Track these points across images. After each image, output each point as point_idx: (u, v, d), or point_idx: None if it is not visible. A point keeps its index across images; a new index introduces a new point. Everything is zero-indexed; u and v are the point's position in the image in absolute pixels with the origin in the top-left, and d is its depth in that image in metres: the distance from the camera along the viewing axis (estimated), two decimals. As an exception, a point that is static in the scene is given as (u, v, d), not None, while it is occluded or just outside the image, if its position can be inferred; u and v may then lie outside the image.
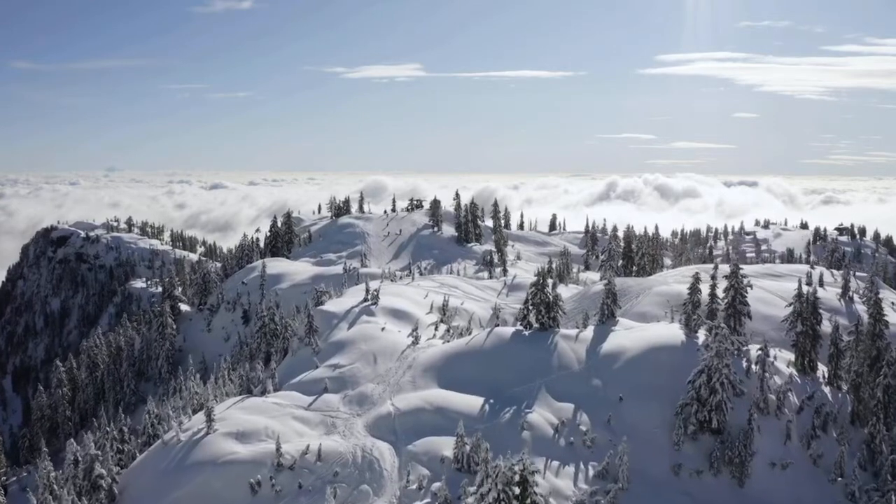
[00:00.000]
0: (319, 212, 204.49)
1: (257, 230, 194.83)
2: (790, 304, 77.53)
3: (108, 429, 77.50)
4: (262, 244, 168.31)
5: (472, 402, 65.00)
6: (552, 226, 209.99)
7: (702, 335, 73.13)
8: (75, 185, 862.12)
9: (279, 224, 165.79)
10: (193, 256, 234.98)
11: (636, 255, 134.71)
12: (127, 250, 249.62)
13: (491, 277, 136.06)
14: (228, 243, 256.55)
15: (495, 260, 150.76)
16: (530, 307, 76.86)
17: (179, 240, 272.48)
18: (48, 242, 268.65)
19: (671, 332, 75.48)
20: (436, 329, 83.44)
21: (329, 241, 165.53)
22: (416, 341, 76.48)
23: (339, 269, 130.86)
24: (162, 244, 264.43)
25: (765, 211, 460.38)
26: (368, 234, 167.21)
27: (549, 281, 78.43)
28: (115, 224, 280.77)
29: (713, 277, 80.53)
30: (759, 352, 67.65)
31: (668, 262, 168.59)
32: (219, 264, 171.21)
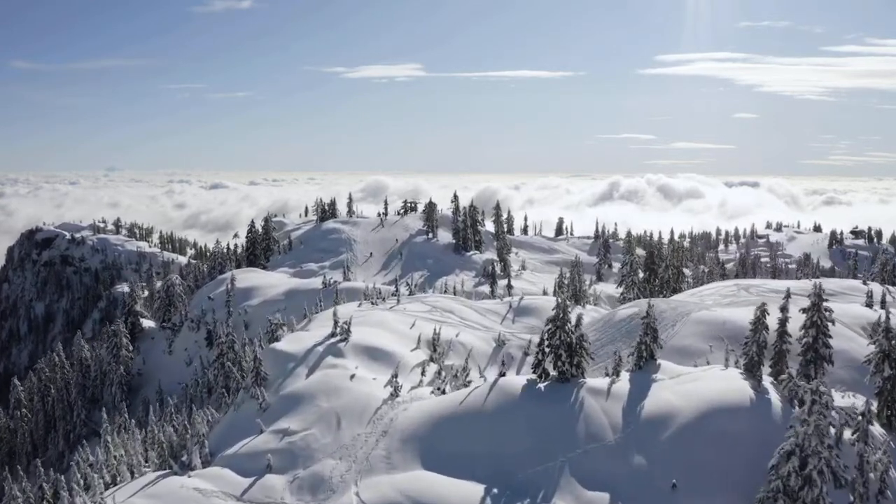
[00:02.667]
0: (307, 214, 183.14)
1: (235, 235, 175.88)
2: (874, 341, 57.99)
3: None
4: (241, 251, 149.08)
5: (468, 494, 45.31)
6: (558, 230, 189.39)
7: (771, 388, 54.35)
8: (75, 184, 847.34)
9: (258, 228, 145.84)
10: (183, 259, 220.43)
11: (659, 267, 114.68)
12: (113, 252, 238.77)
13: (493, 294, 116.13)
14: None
15: (497, 271, 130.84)
16: (546, 350, 56.73)
17: (169, 242, 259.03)
18: (33, 244, 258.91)
19: (732, 383, 55.59)
20: (423, 373, 63.15)
21: (311, 248, 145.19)
22: (395, 393, 56.33)
23: (318, 282, 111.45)
24: (150, 246, 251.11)
25: (767, 212, 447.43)
26: (355, 241, 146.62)
27: (572, 312, 57.90)
28: (102, 225, 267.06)
29: (783, 309, 60.29)
30: (859, 417, 47.96)
31: (685, 271, 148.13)
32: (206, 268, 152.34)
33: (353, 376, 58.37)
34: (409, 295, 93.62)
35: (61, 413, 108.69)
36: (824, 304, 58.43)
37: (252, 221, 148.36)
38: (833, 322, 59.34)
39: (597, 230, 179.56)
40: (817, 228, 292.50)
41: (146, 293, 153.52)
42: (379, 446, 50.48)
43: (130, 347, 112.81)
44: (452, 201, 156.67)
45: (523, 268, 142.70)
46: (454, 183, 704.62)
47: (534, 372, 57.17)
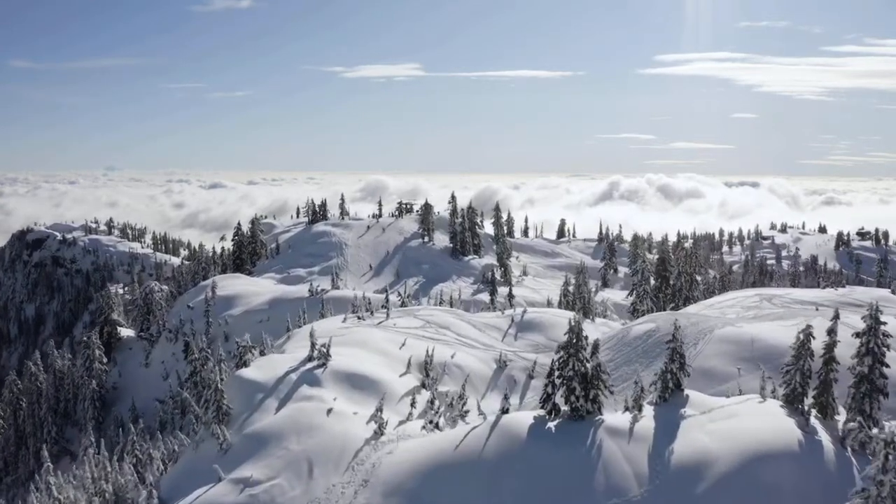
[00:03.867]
0: (298, 215, 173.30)
1: (222, 237, 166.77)
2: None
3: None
4: (227, 254, 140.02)
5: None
6: (560, 232, 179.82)
7: (819, 427, 45.95)
8: (74, 184, 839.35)
9: (245, 231, 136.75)
10: (176, 260, 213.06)
11: (671, 273, 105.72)
12: (105, 254, 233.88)
13: (492, 304, 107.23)
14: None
15: (497, 277, 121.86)
16: (557, 381, 47.74)
17: (162, 242, 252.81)
18: (24, 245, 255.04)
19: (775, 420, 46.80)
20: (413, 403, 54.07)
21: (299, 252, 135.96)
22: (379, 431, 47.33)
23: (304, 289, 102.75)
24: (143, 247, 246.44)
25: (768, 212, 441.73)
26: (346, 245, 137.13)
27: (587, 338, 48.79)
28: (94, 226, 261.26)
29: (831, 332, 51.20)
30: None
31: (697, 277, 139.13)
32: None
33: (330, 410, 49.30)
34: (401, 306, 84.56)
35: (31, 429, 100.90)
36: (882, 327, 49.36)
37: (238, 224, 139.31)
38: (888, 348, 50.50)
39: (600, 232, 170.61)
40: (822, 229, 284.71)
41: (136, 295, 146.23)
42: (358, 500, 41.58)
43: (105, 360, 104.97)
44: (450, 202, 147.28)
45: (524, 273, 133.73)
46: (454, 182, 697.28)
47: (542, 407, 48.21)
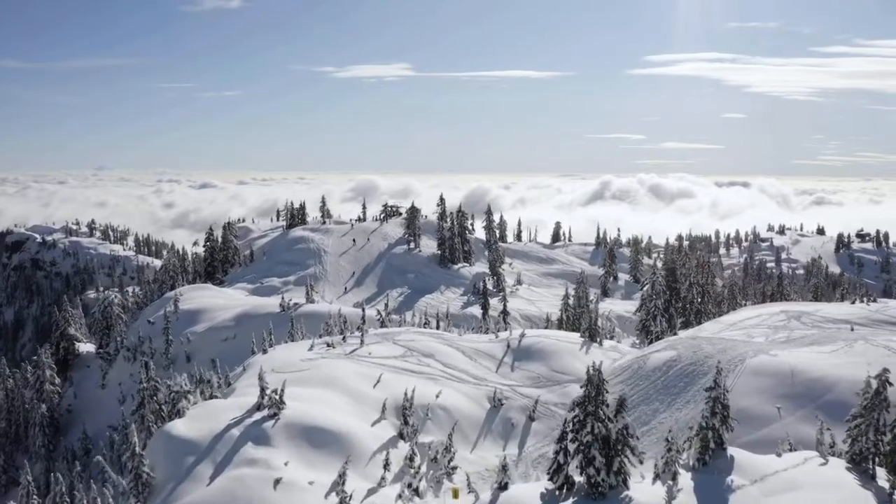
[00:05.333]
0: (278, 218, 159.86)
1: (195, 243, 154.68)
2: None
3: None
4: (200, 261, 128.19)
5: None
6: (555, 236, 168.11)
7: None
8: (63, 184, 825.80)
9: (217, 237, 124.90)
10: (158, 263, 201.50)
11: (682, 285, 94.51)
12: (86, 256, 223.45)
13: (485, 317, 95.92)
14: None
15: (489, 287, 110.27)
16: (571, 449, 36.34)
17: (145, 244, 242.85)
18: (3, 247, 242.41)
19: (846, 492, 35.84)
20: (387, 462, 42.44)
21: (274, 260, 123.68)
22: (341, 509, 35.88)
23: (276, 303, 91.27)
24: (124, 249, 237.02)
25: (759, 212, 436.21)
26: (326, 252, 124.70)
27: (607, 390, 37.27)
28: (76, 227, 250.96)
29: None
30: None
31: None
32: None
33: (278, 481, 37.75)
34: (381, 326, 72.97)
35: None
36: None
37: (210, 228, 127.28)
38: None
39: (598, 236, 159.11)
40: (820, 231, 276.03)
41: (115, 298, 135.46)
42: None
43: (56, 380, 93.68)
44: (438, 205, 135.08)
45: (519, 282, 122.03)
46: (445, 182, 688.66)
47: (551, 479, 36.86)
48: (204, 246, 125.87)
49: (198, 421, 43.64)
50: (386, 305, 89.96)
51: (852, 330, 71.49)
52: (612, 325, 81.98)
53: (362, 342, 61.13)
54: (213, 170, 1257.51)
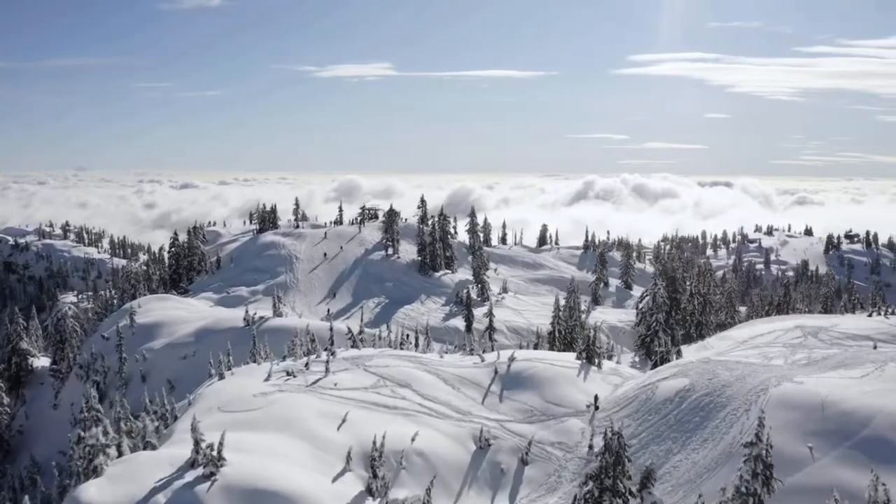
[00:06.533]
0: (251, 220, 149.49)
1: (161, 248, 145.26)
2: None
3: None
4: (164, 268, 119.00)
5: None
6: (542, 239, 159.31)
7: None
8: (44, 184, 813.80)
9: (182, 242, 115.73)
10: (134, 266, 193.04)
11: (682, 295, 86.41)
12: (59, 259, 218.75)
13: (469, 329, 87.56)
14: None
15: (473, 296, 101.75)
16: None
17: (121, 247, 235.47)
18: None
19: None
20: (349, 534, 33.85)
21: (243, 267, 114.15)
22: None
23: (241, 316, 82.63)
24: (99, 252, 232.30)
25: (742, 211, 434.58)
26: (298, 258, 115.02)
27: (629, 457, 28.79)
28: (49, 230, 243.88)
29: None
30: None
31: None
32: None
33: (207, 568, 29.11)
34: (351, 347, 64.14)
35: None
36: None
37: (175, 233, 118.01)
38: None
39: (586, 239, 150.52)
40: (808, 232, 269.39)
41: (90, 303, 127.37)
42: None
43: (5, 400, 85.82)
44: (419, 207, 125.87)
45: (504, 290, 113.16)
46: (428, 182, 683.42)
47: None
48: (169, 251, 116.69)
49: (117, 483, 34.81)
50: (361, 319, 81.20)
51: (875, 348, 63.78)
52: (610, 343, 73.58)
53: (327, 370, 52.29)
54: (194, 170, 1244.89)
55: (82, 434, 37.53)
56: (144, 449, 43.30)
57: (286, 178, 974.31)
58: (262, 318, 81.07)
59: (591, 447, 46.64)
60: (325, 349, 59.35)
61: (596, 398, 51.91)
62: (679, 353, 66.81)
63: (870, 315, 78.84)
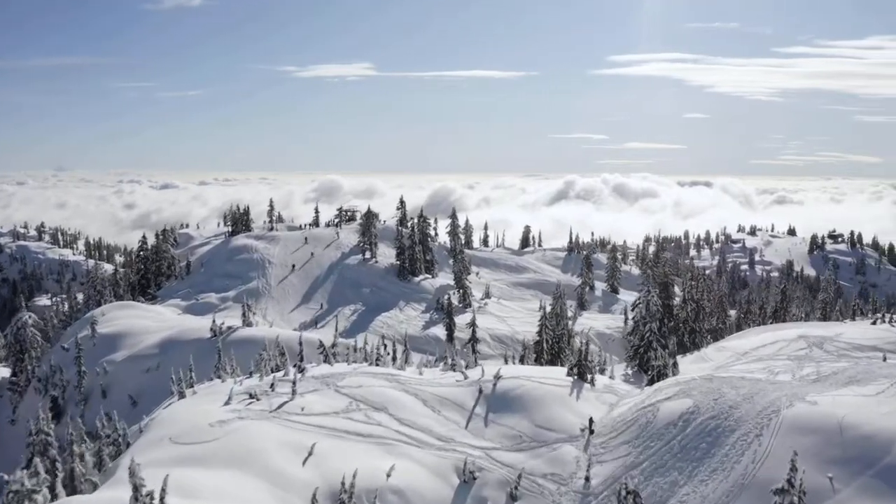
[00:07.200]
0: (226, 222, 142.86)
1: (130, 251, 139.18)
2: None
3: None
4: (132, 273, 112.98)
5: None
6: (525, 241, 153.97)
7: None
8: (23, 184, 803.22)
9: (149, 245, 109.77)
10: (110, 268, 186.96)
11: (674, 301, 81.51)
12: (34, 261, 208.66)
13: (451, 339, 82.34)
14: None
15: (455, 302, 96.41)
16: None
17: (96, 249, 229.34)
18: None
19: None
20: None
21: (214, 271, 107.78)
22: None
23: (208, 325, 77.13)
24: (74, 254, 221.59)
25: (722, 211, 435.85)
26: (271, 263, 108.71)
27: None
28: (24, 231, 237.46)
29: None
30: None
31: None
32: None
33: None
34: (324, 362, 58.68)
35: None
36: None
37: (144, 236, 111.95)
38: None
39: (570, 240, 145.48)
40: (791, 231, 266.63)
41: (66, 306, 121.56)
42: None
43: (-42, 414, 79.75)
44: (398, 208, 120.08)
45: (487, 295, 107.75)
46: (409, 182, 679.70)
47: None
48: (137, 255, 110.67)
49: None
50: (335, 328, 75.67)
51: (885, 360, 59.27)
52: (602, 356, 68.42)
53: (294, 392, 46.84)
54: (174, 170, 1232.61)
55: (6, 477, 32.15)
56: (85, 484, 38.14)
57: (267, 178, 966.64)
58: (229, 328, 75.61)
59: (587, 479, 41.61)
60: (295, 365, 54.02)
61: (591, 421, 46.80)
62: (675, 366, 61.92)
63: (874, 322, 74.26)
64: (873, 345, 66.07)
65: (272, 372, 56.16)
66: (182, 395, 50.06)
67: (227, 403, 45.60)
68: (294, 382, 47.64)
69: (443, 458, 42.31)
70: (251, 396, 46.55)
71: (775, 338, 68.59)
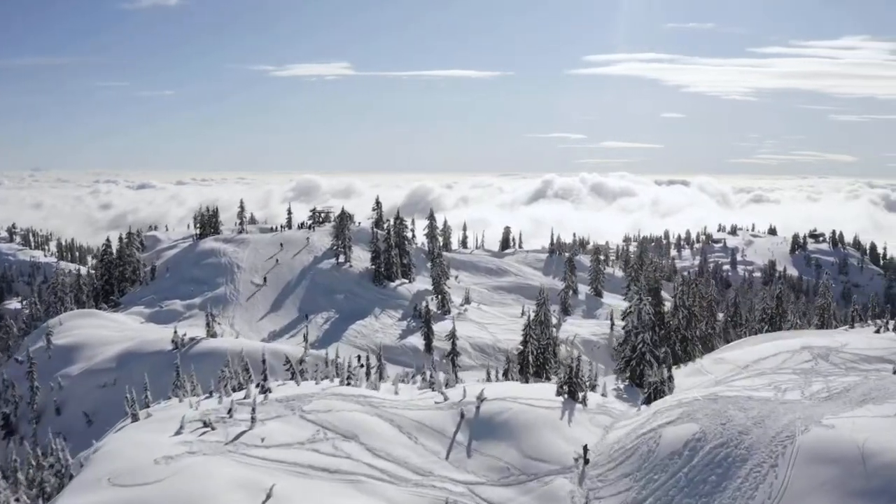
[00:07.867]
0: (196, 224, 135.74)
1: (94, 256, 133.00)
2: None
3: None
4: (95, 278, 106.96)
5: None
6: (505, 242, 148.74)
7: None
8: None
9: (112, 249, 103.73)
10: (84, 269, 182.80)
11: (665, 308, 76.70)
12: (4, 263, 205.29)
13: (429, 349, 77.21)
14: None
15: (433, 309, 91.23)
16: None
17: (68, 250, 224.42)
18: None
19: None
20: None
21: (180, 277, 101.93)
22: None
23: (169, 337, 71.77)
24: (45, 255, 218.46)
25: (699, 210, 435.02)
26: (240, 267, 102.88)
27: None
28: None
29: None
30: None
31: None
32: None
33: None
34: (290, 379, 53.35)
35: None
36: None
37: (108, 239, 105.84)
38: None
39: (551, 242, 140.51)
40: (772, 231, 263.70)
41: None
42: None
43: None
44: (374, 209, 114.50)
45: (467, 300, 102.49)
46: (387, 182, 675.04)
47: None
48: (100, 259, 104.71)
49: None
50: (305, 338, 70.27)
51: (895, 373, 54.62)
52: (592, 369, 63.37)
53: (254, 419, 41.42)
54: (152, 170, 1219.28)
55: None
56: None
57: (245, 177, 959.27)
58: (192, 339, 70.37)
59: (583, 519, 36.56)
60: (257, 385, 48.64)
61: (585, 449, 41.67)
62: (672, 380, 57.00)
63: (877, 330, 69.59)
64: (880, 355, 61.45)
65: (233, 391, 50.90)
66: (136, 418, 44.72)
67: (178, 433, 40.17)
68: (253, 409, 42.16)
69: (420, 497, 36.98)
70: (205, 425, 41.12)
71: (776, 349, 63.70)
